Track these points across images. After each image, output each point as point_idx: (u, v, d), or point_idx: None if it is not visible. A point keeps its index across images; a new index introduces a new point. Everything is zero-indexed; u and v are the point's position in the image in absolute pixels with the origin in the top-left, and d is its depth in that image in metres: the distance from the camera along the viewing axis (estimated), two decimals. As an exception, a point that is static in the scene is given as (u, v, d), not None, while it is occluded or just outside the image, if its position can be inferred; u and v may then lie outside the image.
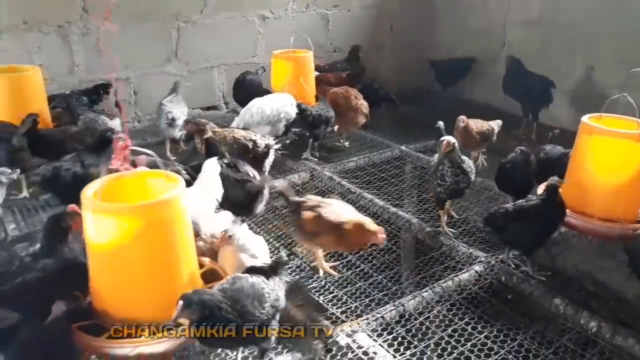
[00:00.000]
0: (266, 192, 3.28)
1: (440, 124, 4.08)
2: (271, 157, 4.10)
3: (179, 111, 4.62)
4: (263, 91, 5.19)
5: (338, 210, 2.99)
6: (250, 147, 4.01)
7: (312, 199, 3.12)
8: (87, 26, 5.05)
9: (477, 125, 4.40)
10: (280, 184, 3.47)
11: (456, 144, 3.42)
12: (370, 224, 2.89)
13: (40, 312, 2.08)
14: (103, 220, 2.15)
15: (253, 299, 2.19)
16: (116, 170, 2.45)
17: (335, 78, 5.52)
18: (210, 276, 2.63)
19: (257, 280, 2.30)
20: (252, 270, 2.42)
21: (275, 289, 2.34)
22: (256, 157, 3.97)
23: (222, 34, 5.79)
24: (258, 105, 4.59)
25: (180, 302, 1.99)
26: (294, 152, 4.91)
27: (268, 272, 2.42)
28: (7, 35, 4.72)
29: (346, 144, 5.17)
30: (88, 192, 2.22)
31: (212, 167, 3.40)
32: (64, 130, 4.22)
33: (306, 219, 2.98)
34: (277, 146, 4.16)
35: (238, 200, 3.18)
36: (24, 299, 2.19)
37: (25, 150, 3.83)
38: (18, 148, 3.79)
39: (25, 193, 4.00)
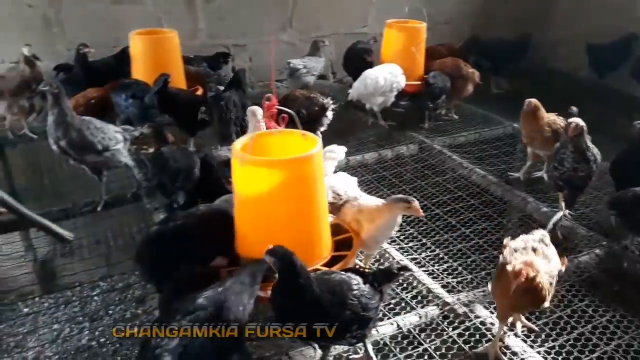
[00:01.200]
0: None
1: (574, 109, 3.87)
2: (328, 117, 4.18)
3: (302, 63, 4.91)
4: (372, 61, 5.23)
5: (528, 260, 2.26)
6: (307, 104, 4.15)
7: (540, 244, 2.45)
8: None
9: (551, 118, 3.82)
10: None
11: (585, 128, 3.27)
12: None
13: (196, 254, 2.32)
14: (252, 172, 2.34)
15: (333, 295, 2.11)
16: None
17: (447, 49, 5.43)
18: (335, 228, 2.78)
19: (348, 280, 2.19)
20: (351, 271, 2.31)
21: (365, 296, 2.17)
22: (312, 115, 4.09)
23: (335, 3, 5.85)
24: (372, 77, 4.64)
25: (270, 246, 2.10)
26: (400, 123, 4.94)
27: (369, 278, 2.26)
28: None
29: (455, 116, 5.11)
30: (237, 146, 2.42)
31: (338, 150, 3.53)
32: (191, 92, 4.52)
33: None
34: (333, 106, 4.20)
35: None
36: (183, 239, 2.43)
37: (154, 108, 4.14)
38: (149, 105, 4.09)
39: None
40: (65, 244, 3.42)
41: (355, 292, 2.17)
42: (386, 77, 4.61)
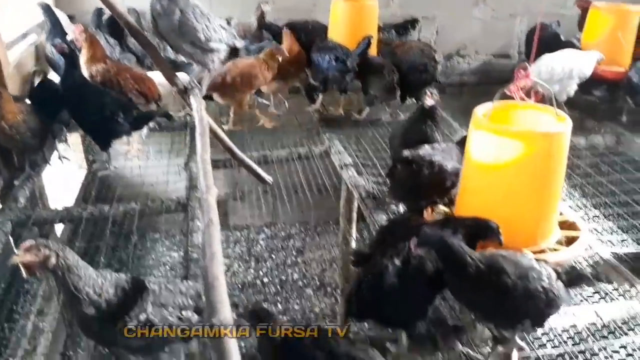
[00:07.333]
0: None
1: None
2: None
3: None
4: (559, 45, 4.90)
5: None
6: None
7: None
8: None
9: None
10: None
11: None
12: None
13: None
14: (492, 139, 2.35)
15: (518, 279, 2.00)
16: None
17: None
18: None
19: (539, 268, 2.06)
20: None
21: (553, 292, 2.04)
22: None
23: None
24: (547, 63, 4.31)
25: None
26: (594, 111, 4.67)
27: (562, 276, 2.12)
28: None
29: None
30: (479, 112, 2.46)
31: None
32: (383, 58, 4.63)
33: None
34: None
35: None
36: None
37: (353, 72, 4.26)
38: (349, 69, 4.25)
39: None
40: (266, 185, 3.74)
41: (539, 275, 2.05)
42: (564, 65, 4.24)
